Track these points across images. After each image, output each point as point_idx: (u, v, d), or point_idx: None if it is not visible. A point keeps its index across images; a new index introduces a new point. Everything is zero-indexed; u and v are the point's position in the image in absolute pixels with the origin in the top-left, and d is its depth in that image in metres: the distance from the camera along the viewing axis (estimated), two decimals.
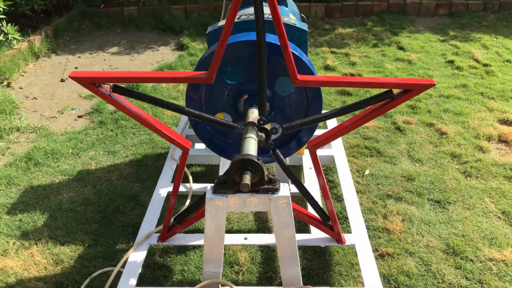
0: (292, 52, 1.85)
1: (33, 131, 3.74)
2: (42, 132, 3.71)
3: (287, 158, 2.65)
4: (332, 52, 5.45)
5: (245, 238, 2.21)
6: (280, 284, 2.08)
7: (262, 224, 2.68)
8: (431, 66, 4.96)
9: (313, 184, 2.64)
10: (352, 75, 4.78)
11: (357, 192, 2.84)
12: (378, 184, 3.00)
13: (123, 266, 2.11)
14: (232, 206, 1.75)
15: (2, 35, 5.06)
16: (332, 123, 3.34)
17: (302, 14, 2.98)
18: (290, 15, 2.49)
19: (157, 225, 2.34)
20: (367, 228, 2.40)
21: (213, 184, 1.76)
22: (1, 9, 4.98)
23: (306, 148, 2.77)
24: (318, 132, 3.09)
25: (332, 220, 2.14)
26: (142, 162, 3.27)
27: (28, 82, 4.73)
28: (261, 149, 2.06)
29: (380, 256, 2.41)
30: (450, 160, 3.25)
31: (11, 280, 2.28)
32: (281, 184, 1.77)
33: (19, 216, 2.73)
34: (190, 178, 2.71)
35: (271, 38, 2.02)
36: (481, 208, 2.77)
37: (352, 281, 2.26)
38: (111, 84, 1.79)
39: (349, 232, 2.29)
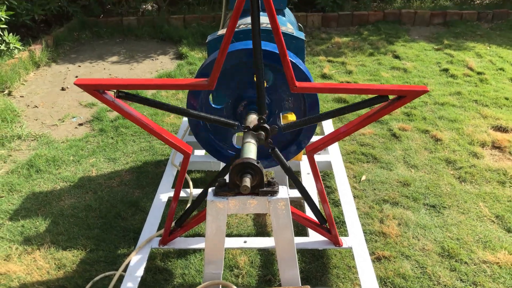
0: (290, 60, 1.91)
1: (34, 139, 3.78)
2: (43, 140, 3.75)
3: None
4: (329, 61, 5.53)
5: (245, 242, 2.25)
6: (279, 286, 2.12)
7: (261, 228, 2.72)
8: (426, 74, 5.05)
9: (311, 189, 2.69)
10: (348, 83, 4.85)
11: (354, 197, 2.88)
12: (375, 189, 3.05)
13: (124, 270, 2.14)
14: (233, 208, 1.80)
15: (3, 44, 5.13)
16: (328, 129, 3.40)
17: (299, 24, 3.05)
18: (288, 25, 2.56)
19: (158, 229, 2.38)
20: (364, 232, 2.45)
21: (213, 188, 1.81)
22: (3, 19, 5.05)
23: (304, 154, 2.83)
24: (315, 138, 3.14)
25: (329, 224, 2.19)
26: (142, 168, 3.32)
27: (29, 90, 4.79)
28: (261, 154, 2.11)
29: (377, 259, 2.45)
30: (445, 166, 3.31)
31: (14, 284, 2.32)
32: (280, 186, 1.82)
33: (22, 222, 2.77)
34: (191, 183, 2.76)
35: (271, 46, 2.08)
36: (475, 212, 2.82)
37: (349, 283, 2.31)
38: (115, 90, 1.85)
39: (346, 236, 2.34)
